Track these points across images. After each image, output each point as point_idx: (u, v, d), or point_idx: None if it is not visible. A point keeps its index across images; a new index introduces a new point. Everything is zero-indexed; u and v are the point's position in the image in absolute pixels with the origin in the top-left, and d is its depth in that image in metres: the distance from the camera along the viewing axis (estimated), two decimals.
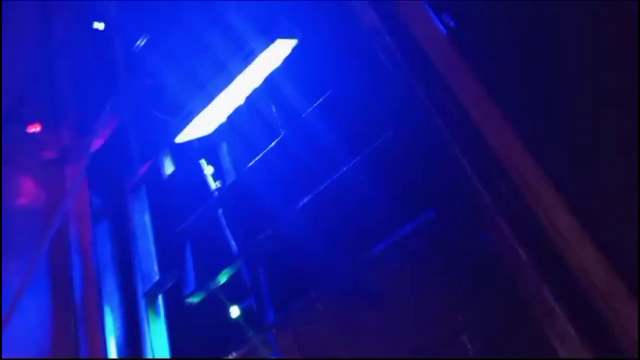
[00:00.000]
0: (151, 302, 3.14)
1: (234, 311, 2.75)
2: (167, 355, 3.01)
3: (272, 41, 2.83)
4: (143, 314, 3.14)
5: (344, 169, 2.42)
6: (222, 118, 3.21)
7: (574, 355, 1.37)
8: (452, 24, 1.83)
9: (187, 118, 3.27)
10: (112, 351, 3.10)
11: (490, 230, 1.59)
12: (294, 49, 2.89)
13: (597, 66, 1.75)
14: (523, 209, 1.54)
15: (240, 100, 3.15)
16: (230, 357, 2.62)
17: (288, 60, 2.93)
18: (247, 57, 2.98)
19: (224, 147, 3.10)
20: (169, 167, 3.36)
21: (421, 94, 1.85)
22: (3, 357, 2.82)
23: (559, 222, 1.49)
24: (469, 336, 1.74)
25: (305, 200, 2.50)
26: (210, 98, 3.14)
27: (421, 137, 2.05)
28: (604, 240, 1.49)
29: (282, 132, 2.75)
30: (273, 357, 2.44)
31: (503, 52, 1.90)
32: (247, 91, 3.11)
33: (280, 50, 2.94)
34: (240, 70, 3.02)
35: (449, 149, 1.75)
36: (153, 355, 3.02)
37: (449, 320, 1.84)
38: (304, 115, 2.67)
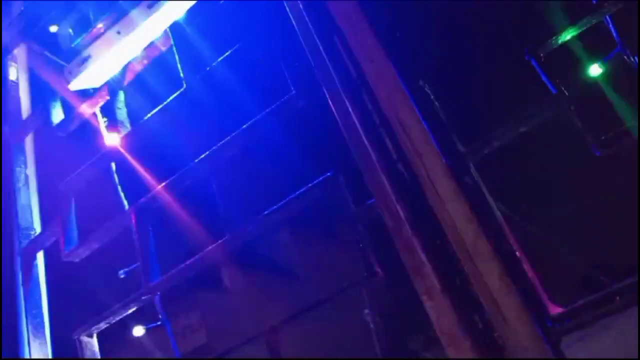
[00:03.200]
0: (28, 260, 2.87)
1: (119, 273, 2.59)
2: (45, 317, 2.79)
3: None
4: (19, 272, 2.87)
5: (246, 126, 2.32)
6: (119, 67, 2.98)
7: (439, 311, 1.39)
8: None
9: (83, 63, 3.01)
10: None
11: (375, 188, 1.57)
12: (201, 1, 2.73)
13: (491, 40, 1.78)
14: (405, 168, 1.54)
15: (140, 49, 2.95)
16: (112, 319, 2.45)
17: (194, 12, 2.77)
18: (151, 6, 2.79)
19: (121, 97, 2.88)
20: (58, 116, 3.07)
21: (323, 55, 1.79)
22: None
23: (438, 182, 1.50)
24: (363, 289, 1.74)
25: (204, 155, 2.38)
26: (109, 44, 2.91)
27: (322, 98, 1.99)
28: (476, 203, 1.52)
29: (185, 84, 2.59)
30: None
31: (408, 16, 1.88)
32: (148, 40, 2.91)
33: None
34: (143, 19, 2.82)
35: (343, 108, 1.71)
36: (28, 316, 2.78)
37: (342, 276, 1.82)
38: (208, 68, 2.53)
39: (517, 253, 1.62)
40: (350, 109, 1.66)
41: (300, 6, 1.92)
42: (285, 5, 1.99)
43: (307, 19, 1.90)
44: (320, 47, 1.80)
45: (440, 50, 1.69)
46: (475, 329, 1.32)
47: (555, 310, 1.62)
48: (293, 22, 1.97)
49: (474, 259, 1.39)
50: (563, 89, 1.73)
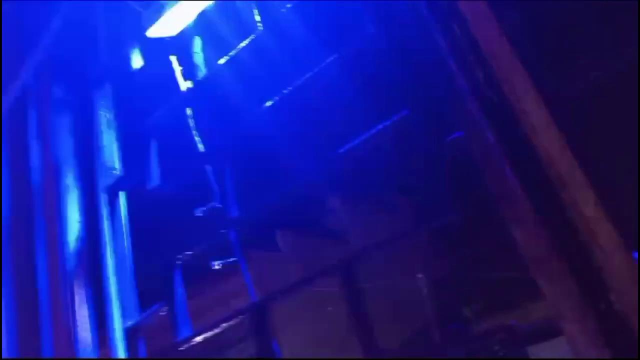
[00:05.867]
0: (112, 198, 3.06)
1: (199, 210, 2.71)
2: (128, 253, 2.98)
3: None
4: (103, 210, 3.07)
5: (318, 68, 2.33)
6: (195, 14, 3.05)
7: (530, 240, 1.38)
8: None
9: (160, 10, 3.10)
10: (71, 246, 3.05)
11: (464, 118, 1.56)
12: None
13: None
14: (497, 96, 1.52)
15: None
16: (193, 252, 2.60)
17: None
18: None
19: (197, 44, 2.95)
20: (137, 61, 3.19)
21: None
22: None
23: (531, 111, 1.47)
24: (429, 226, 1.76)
25: (277, 98, 2.43)
26: None
27: (404, 33, 1.97)
28: (571, 133, 1.48)
29: (259, 28, 2.62)
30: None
31: None
32: None
33: None
34: None
35: (429, 34, 1.69)
36: (111, 253, 2.98)
37: (416, 213, 1.85)
38: (282, 10, 2.55)
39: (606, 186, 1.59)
40: (438, 35, 1.64)
41: None
42: None
43: None
44: None
45: None
46: (571, 253, 1.31)
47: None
48: None
49: (568, 187, 1.37)
50: None
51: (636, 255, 1.54)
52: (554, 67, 1.64)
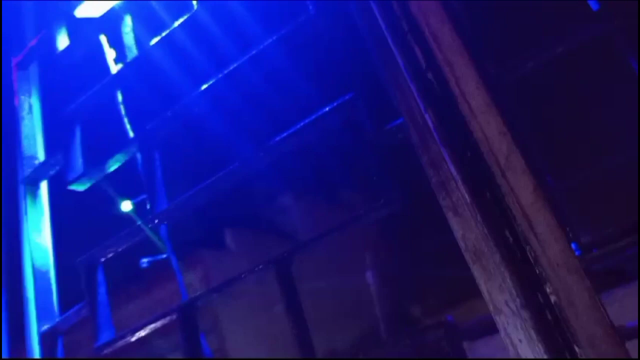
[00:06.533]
0: (32, 189, 2.81)
1: (125, 204, 2.51)
2: (48, 246, 2.74)
3: None
4: (22, 202, 2.81)
5: (258, 49, 2.19)
6: None
7: (465, 230, 1.30)
8: None
9: None
10: None
11: (403, 101, 1.46)
12: None
13: None
14: (436, 78, 1.43)
15: None
16: (118, 247, 2.39)
17: None
18: None
19: (127, 22, 2.74)
20: (63, 42, 2.94)
21: None
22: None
23: (470, 93, 1.39)
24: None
25: (214, 81, 2.27)
26: None
27: (345, 12, 1.86)
28: (510, 115, 1.41)
29: (194, 7, 2.45)
30: None
31: None
32: None
33: None
34: None
35: (369, 15, 1.59)
36: (30, 249, 2.73)
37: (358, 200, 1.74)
38: None
39: (547, 174, 1.53)
40: (377, 16, 1.53)
41: None
42: None
43: None
44: None
45: None
46: (505, 243, 1.23)
47: (584, 237, 1.54)
48: None
49: (506, 173, 1.29)
50: (607, 2, 1.60)
51: (575, 245, 1.48)
52: (498, 49, 1.58)
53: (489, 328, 1.53)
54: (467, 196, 1.29)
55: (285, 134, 2.01)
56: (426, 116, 1.40)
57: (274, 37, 2.16)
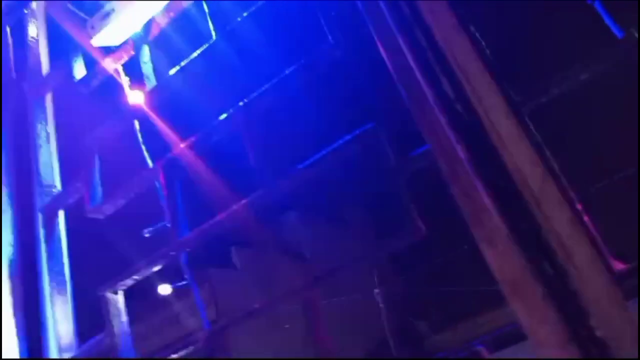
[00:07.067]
0: (50, 218, 2.81)
1: (146, 231, 2.51)
2: (67, 275, 2.73)
3: None
4: (40, 231, 2.81)
5: (276, 79, 2.21)
6: (143, 22, 2.88)
7: (503, 262, 1.29)
8: None
9: (106, 17, 2.91)
10: (2, 271, 2.77)
11: (431, 131, 1.47)
12: None
13: None
14: (464, 108, 1.44)
15: (164, 3, 2.83)
16: (139, 275, 2.38)
17: None
18: None
19: (145, 52, 2.78)
20: (80, 71, 2.98)
21: None
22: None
23: (499, 122, 1.40)
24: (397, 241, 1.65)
25: (233, 110, 2.28)
26: None
27: (366, 43, 1.88)
28: (543, 146, 1.42)
29: (213, 37, 2.48)
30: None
31: None
32: None
33: None
34: None
35: (394, 46, 1.60)
36: (50, 275, 2.72)
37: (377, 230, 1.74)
38: (238, 19, 2.42)
39: (579, 203, 1.53)
40: (403, 47, 1.55)
41: None
42: None
43: None
44: None
45: None
46: (545, 275, 1.22)
47: (618, 266, 1.53)
48: None
49: (541, 204, 1.30)
50: (632, 31, 1.61)
51: (617, 277, 1.47)
52: (524, 78, 1.59)
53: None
54: (503, 227, 1.29)
55: (307, 163, 2.01)
56: (457, 147, 1.40)
57: (294, 66, 2.18)
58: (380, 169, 1.91)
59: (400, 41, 1.58)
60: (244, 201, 2.12)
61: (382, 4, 1.64)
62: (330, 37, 2.13)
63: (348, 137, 1.94)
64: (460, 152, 1.39)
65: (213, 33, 2.48)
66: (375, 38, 1.72)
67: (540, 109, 1.65)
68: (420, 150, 1.69)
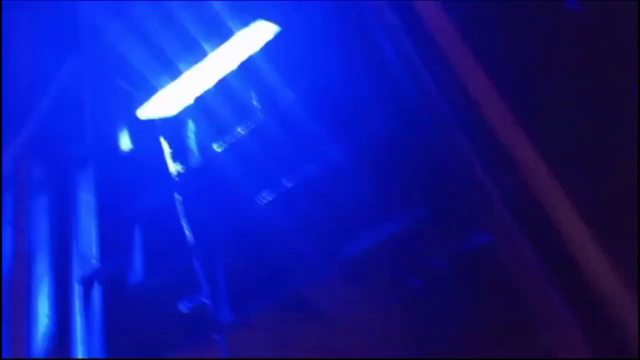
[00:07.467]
0: (87, 290, 2.80)
1: (185, 309, 2.48)
2: (100, 352, 2.68)
3: (252, 22, 2.67)
4: (76, 303, 2.79)
5: (322, 162, 2.23)
6: (190, 98, 2.97)
7: None
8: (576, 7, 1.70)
9: (151, 91, 3.02)
10: (37, 344, 2.73)
11: (494, 229, 1.44)
12: (279, 33, 2.71)
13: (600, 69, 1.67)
14: (530, 205, 1.42)
15: (212, 81, 2.93)
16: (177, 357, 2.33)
17: (271, 44, 2.75)
18: (223, 36, 2.79)
19: (190, 127, 2.85)
20: (124, 143, 3.05)
21: (425, 77, 1.70)
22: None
23: (569, 225, 1.37)
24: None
25: (277, 191, 2.30)
26: (179, 74, 2.91)
27: (416, 126, 1.90)
28: (615, 248, 1.38)
29: (260, 118, 2.53)
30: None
31: (513, 46, 1.80)
32: (221, 73, 2.89)
33: (260, 33, 2.76)
34: (213, 48, 2.82)
35: (453, 138, 1.61)
36: (85, 350, 2.67)
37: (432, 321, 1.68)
38: (287, 101, 2.48)
39: None
40: (463, 144, 1.56)
41: (401, 35, 1.86)
42: (382, 36, 1.93)
43: (408, 44, 1.83)
44: (425, 77, 1.72)
45: (547, 85, 1.61)
46: None
47: None
48: (389, 49, 1.91)
49: (618, 309, 1.24)
50: None
51: None
52: (587, 171, 1.57)
53: None
54: (581, 334, 1.24)
55: (357, 249, 1.99)
56: (524, 244, 1.37)
57: (342, 147, 2.20)
58: (434, 259, 1.87)
59: (460, 136, 1.59)
60: (289, 285, 2.08)
61: (441, 102, 1.66)
62: (377, 121, 2.16)
63: (396, 227, 1.91)
64: (528, 248, 1.36)
65: (260, 112, 2.53)
66: (430, 125, 1.73)
67: (609, 201, 1.62)
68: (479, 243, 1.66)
